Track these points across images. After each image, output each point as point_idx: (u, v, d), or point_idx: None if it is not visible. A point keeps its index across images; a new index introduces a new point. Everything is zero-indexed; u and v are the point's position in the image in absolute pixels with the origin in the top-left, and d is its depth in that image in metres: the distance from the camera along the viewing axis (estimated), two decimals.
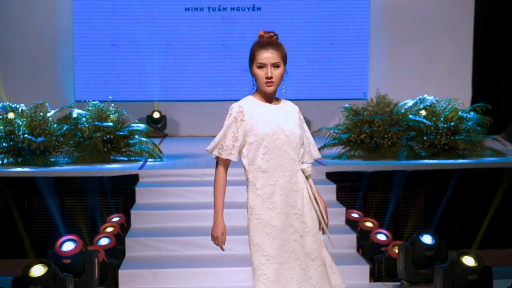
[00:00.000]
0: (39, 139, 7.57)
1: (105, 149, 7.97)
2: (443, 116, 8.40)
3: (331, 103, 12.01)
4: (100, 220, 7.15)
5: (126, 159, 8.17)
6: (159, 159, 8.25)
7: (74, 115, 8.19)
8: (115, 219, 6.81)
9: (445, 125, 8.29)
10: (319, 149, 8.21)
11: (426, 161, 8.06)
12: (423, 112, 8.53)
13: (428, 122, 8.30)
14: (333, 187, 7.22)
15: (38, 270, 4.90)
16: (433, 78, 12.11)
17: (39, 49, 11.79)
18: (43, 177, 7.25)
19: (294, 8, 12.11)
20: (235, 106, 3.57)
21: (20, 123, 7.72)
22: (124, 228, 6.64)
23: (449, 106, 8.50)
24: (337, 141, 8.41)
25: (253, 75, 3.57)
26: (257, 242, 3.49)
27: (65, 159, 8.02)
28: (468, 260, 5.08)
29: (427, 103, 8.62)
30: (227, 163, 3.58)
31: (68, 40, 11.90)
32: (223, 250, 3.63)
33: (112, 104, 8.38)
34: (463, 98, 10.56)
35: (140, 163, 8.02)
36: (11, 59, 11.76)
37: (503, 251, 7.58)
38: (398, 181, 7.52)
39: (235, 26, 12.05)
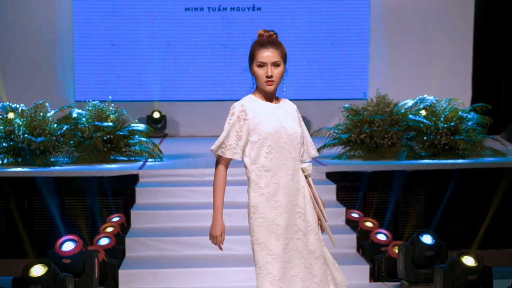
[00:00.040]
0: (39, 139, 7.57)
1: (105, 149, 7.97)
2: (443, 116, 8.40)
3: (331, 103, 12.02)
4: (100, 220, 7.15)
5: (126, 159, 8.17)
6: (159, 159, 8.25)
7: (74, 115, 8.19)
8: (115, 219, 6.81)
9: (445, 125, 8.29)
10: (319, 149, 8.31)
11: (426, 161, 8.06)
12: (423, 112, 8.53)
13: (428, 122, 8.30)
14: (333, 187, 7.22)
15: (38, 270, 4.90)
16: (433, 78, 12.11)
17: (39, 49, 11.79)
18: (43, 177, 7.25)
19: (294, 8, 12.11)
20: (237, 105, 3.56)
21: (20, 123, 7.72)
22: (124, 228, 6.64)
23: (449, 106, 8.50)
24: (337, 141, 8.41)
25: (253, 74, 3.57)
26: (262, 241, 3.48)
27: (65, 159, 8.02)
28: (468, 260, 5.08)
29: (427, 103, 8.63)
30: (227, 163, 3.58)
31: (68, 40, 11.90)
32: (221, 249, 3.62)
33: (112, 104, 8.38)
34: (463, 98, 10.56)
35: (140, 163, 8.01)
36: (11, 59, 11.76)
37: (503, 251, 7.58)
38: (398, 181, 7.52)
39: (235, 26, 12.05)
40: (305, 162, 3.65)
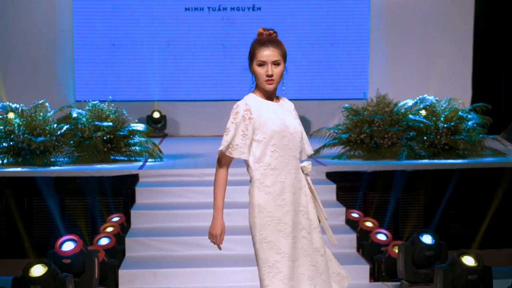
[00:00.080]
0: (39, 139, 7.57)
1: (105, 149, 7.97)
2: (443, 116, 8.40)
3: (331, 103, 12.02)
4: (100, 220, 7.15)
5: (126, 159, 8.17)
6: (159, 159, 8.25)
7: (74, 115, 8.19)
8: (115, 219, 6.81)
9: (445, 125, 8.29)
10: (319, 149, 8.31)
11: (426, 161, 8.06)
12: (423, 112, 8.53)
13: (428, 122, 8.30)
14: (333, 187, 7.22)
15: (38, 270, 4.90)
16: (433, 78, 12.11)
17: (39, 49, 11.79)
18: (43, 177, 7.24)
19: (294, 8, 12.11)
20: (241, 105, 3.53)
21: (20, 123, 7.72)
22: (124, 228, 6.64)
23: (449, 106, 8.50)
24: (337, 141, 8.41)
25: (253, 72, 3.56)
26: (271, 240, 3.47)
27: (65, 159, 8.02)
28: (468, 260, 5.08)
29: (427, 103, 8.62)
30: (229, 162, 3.55)
31: (68, 40, 11.90)
32: (220, 249, 3.61)
33: (112, 104, 8.38)
34: (463, 98, 10.56)
35: (140, 163, 8.02)
36: (11, 59, 11.76)
37: (503, 251, 7.58)
38: (398, 181, 7.52)
39: (235, 26, 12.05)
40: (303, 161, 3.66)
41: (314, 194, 3.66)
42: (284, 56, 3.54)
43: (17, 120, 7.76)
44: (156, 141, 9.70)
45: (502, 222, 7.70)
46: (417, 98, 8.81)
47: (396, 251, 5.72)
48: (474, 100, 11.73)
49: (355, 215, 6.91)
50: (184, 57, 12.09)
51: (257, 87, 3.60)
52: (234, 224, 5.95)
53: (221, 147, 3.50)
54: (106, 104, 8.30)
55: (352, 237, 6.34)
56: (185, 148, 9.89)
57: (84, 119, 8.11)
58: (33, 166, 7.59)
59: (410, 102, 8.75)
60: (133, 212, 6.67)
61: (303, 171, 3.63)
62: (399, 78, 12.08)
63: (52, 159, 7.79)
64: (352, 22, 12.19)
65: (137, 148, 8.26)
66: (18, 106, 8.01)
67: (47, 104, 8.07)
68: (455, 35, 12.12)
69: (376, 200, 7.53)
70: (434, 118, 8.38)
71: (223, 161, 3.54)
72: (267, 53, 3.49)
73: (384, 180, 7.54)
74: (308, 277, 3.53)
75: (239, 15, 12.07)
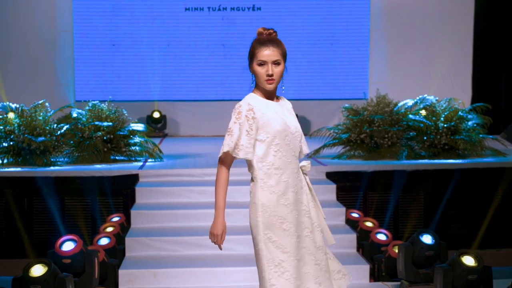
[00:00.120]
0: (39, 139, 7.57)
1: (105, 149, 7.96)
2: (443, 116, 8.40)
3: (331, 103, 12.02)
4: (100, 220, 7.15)
5: (126, 159, 8.17)
6: (159, 159, 8.25)
7: (74, 115, 8.19)
8: (115, 219, 6.81)
9: (445, 125, 8.29)
10: (319, 149, 8.31)
11: (426, 161, 8.06)
12: (423, 112, 8.53)
13: (428, 122, 8.30)
14: (333, 187, 7.22)
15: (38, 270, 4.90)
16: (433, 78, 12.11)
17: (39, 49, 11.79)
18: (43, 177, 7.24)
19: (294, 8, 12.12)
20: (243, 104, 3.52)
21: (20, 123, 7.72)
22: (124, 228, 6.64)
23: (449, 106, 8.50)
24: (337, 141, 8.41)
25: (253, 72, 3.56)
26: (276, 240, 3.47)
27: (65, 159, 8.02)
28: (468, 260, 5.08)
29: (427, 103, 8.62)
30: (231, 162, 3.54)
31: (68, 40, 11.90)
32: (220, 249, 3.60)
33: (112, 104, 8.38)
34: (463, 98, 10.56)
35: (140, 163, 8.01)
36: (11, 59, 11.76)
37: (503, 251, 7.58)
38: (398, 181, 7.52)
39: (235, 26, 12.05)
40: (301, 160, 3.66)
41: (313, 193, 3.67)
42: (284, 55, 3.54)
43: (17, 120, 7.76)
44: (156, 141, 9.70)
45: (502, 222, 7.70)
46: (417, 98, 8.81)
47: (396, 251, 5.72)
48: (474, 100, 11.73)
49: (355, 215, 6.91)
50: (184, 57, 12.09)
51: (257, 87, 3.59)
52: (234, 224, 5.94)
53: (227, 148, 3.47)
54: (106, 104, 8.30)
55: (352, 237, 6.34)
56: (185, 148, 9.89)
57: (84, 119, 8.11)
58: (33, 166, 7.59)
59: (410, 102, 8.75)
60: (133, 212, 6.67)
61: (302, 171, 3.64)
62: (399, 78, 12.09)
63: (52, 159, 7.79)
64: (352, 22, 12.20)
65: (137, 148, 8.26)
66: (18, 106, 8.01)
67: (47, 104, 8.07)
68: (455, 35, 12.12)
69: (376, 200, 7.53)
70: (434, 118, 8.38)
71: (226, 161, 3.52)
72: (267, 53, 3.49)
73: (384, 180, 7.54)
74: (313, 276, 3.54)
75: (239, 15, 12.07)
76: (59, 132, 7.87)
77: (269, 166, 3.50)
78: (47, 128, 7.77)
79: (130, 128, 8.28)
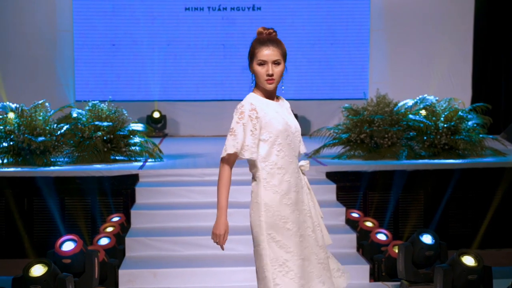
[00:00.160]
0: (39, 139, 7.57)
1: (105, 149, 7.96)
2: (443, 116, 8.40)
3: (331, 103, 12.02)
4: (100, 220, 7.14)
5: (126, 159, 8.17)
6: (159, 159, 8.25)
7: (74, 115, 8.19)
8: (115, 219, 6.81)
9: (445, 125, 8.29)
10: (319, 149, 8.31)
11: (426, 161, 8.06)
12: (423, 112, 8.53)
13: (428, 122, 8.30)
14: (333, 187, 7.22)
15: (38, 270, 4.90)
16: (433, 78, 12.11)
17: (39, 49, 11.79)
18: (43, 177, 7.24)
19: (294, 8, 12.11)
20: (246, 104, 3.51)
21: (20, 123, 7.72)
22: (124, 228, 6.64)
23: (449, 106, 8.50)
24: (337, 141, 8.41)
25: (253, 72, 3.55)
26: (280, 239, 3.47)
27: (65, 159, 8.02)
28: (468, 260, 5.08)
29: (427, 103, 8.62)
30: (234, 162, 3.52)
31: (68, 40, 11.90)
32: (222, 249, 3.60)
33: (112, 104, 8.38)
34: (463, 98, 10.55)
35: (140, 163, 8.01)
36: (11, 59, 11.77)
37: (503, 251, 7.58)
38: (398, 181, 7.52)
39: (235, 26, 12.05)
40: (300, 160, 3.67)
41: (311, 193, 3.68)
42: (284, 55, 3.54)
43: (17, 120, 7.75)
44: (156, 141, 9.70)
45: (502, 222, 7.70)
46: (417, 98, 8.81)
47: (396, 251, 5.72)
48: (474, 100, 11.73)
49: (355, 215, 6.91)
50: (184, 57, 12.09)
51: (257, 87, 3.59)
52: (235, 224, 5.90)
53: (233, 149, 3.44)
54: (106, 104, 8.30)
55: (352, 237, 6.34)
56: (185, 148, 9.89)
57: (84, 119, 8.11)
58: (33, 166, 7.59)
59: (410, 102, 8.75)
60: (133, 212, 6.67)
61: (301, 171, 3.64)
62: (399, 78, 12.09)
63: (52, 159, 7.79)
64: (352, 22, 12.20)
65: (137, 148, 8.26)
66: (18, 106, 8.01)
67: (47, 104, 8.07)
68: (455, 35, 12.12)
69: (376, 200, 7.53)
70: (434, 118, 8.38)
71: (228, 161, 3.50)
72: (268, 53, 3.49)
73: (384, 180, 7.54)
74: (316, 275, 3.54)
75: (239, 15, 12.07)
76: (59, 132, 7.86)
77: (272, 165, 3.50)
78: (47, 128, 7.77)
79: (130, 128, 8.28)
